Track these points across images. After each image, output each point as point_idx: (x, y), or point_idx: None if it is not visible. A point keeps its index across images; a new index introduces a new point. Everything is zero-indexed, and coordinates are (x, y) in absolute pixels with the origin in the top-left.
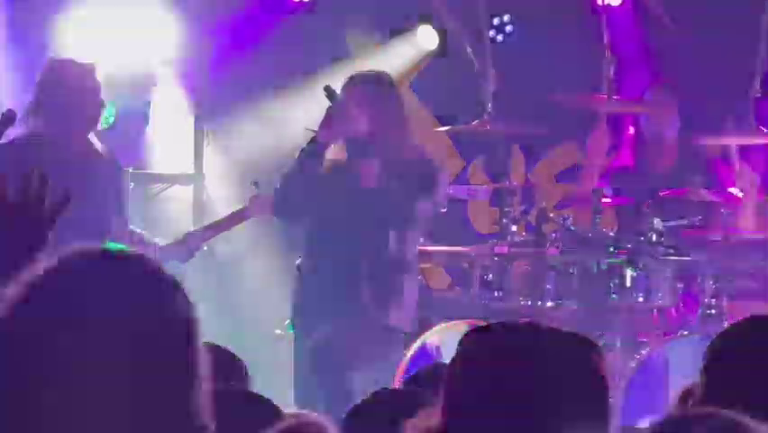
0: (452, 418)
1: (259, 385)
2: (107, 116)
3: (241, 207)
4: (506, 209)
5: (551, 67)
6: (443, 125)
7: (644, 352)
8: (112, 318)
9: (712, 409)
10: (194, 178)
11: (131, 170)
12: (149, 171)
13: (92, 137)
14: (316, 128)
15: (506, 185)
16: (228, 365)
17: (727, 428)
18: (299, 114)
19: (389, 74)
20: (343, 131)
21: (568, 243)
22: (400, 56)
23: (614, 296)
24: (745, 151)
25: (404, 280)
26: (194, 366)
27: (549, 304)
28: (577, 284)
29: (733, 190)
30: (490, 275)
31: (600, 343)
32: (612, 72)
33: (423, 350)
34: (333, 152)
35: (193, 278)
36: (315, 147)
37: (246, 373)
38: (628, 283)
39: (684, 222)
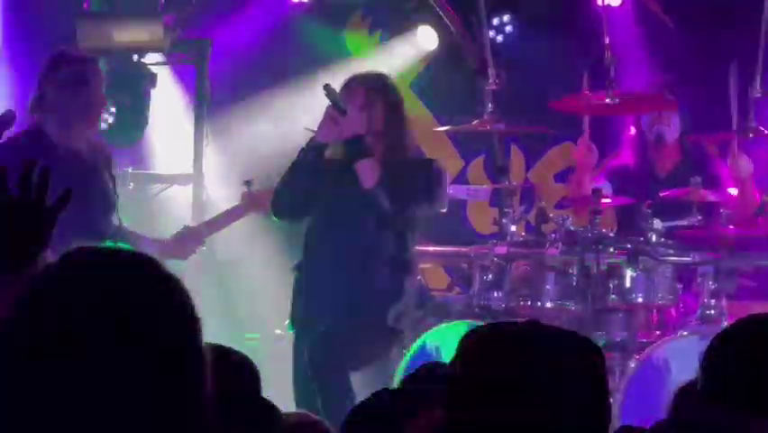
0: (451, 418)
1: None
2: (106, 116)
3: (235, 204)
4: (505, 209)
5: (550, 67)
6: (443, 125)
7: (643, 352)
8: (113, 319)
9: (713, 410)
10: (193, 178)
11: (130, 171)
12: (148, 171)
13: (91, 134)
14: (316, 128)
15: (505, 185)
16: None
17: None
18: (299, 114)
19: (389, 74)
20: (343, 131)
21: (567, 243)
22: (400, 56)
23: (613, 296)
24: (745, 151)
25: (403, 281)
26: (197, 366)
27: (548, 304)
28: (576, 284)
29: (732, 191)
30: (490, 275)
31: (600, 343)
32: (612, 72)
33: (422, 350)
34: (333, 153)
35: (193, 277)
36: (314, 147)
37: (258, 378)
38: (628, 283)
39: (684, 222)
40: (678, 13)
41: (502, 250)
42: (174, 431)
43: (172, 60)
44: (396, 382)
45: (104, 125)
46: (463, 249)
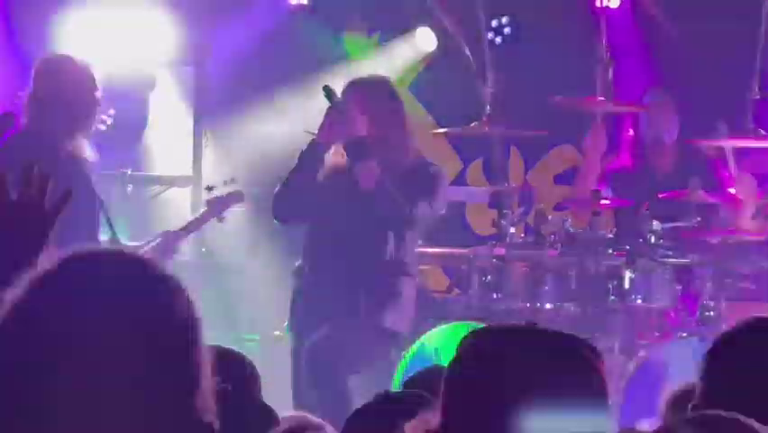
0: (450, 420)
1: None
2: (105, 119)
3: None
4: (504, 211)
5: (549, 69)
6: (442, 127)
7: (642, 353)
8: (114, 319)
9: (714, 412)
10: (192, 180)
11: (129, 172)
12: (147, 173)
13: (81, 137)
14: (315, 131)
15: (504, 187)
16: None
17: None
18: (297, 116)
19: (390, 77)
20: (343, 133)
21: (566, 244)
22: (399, 58)
23: (612, 298)
24: (743, 152)
25: (402, 283)
26: (197, 366)
27: (548, 306)
28: (575, 286)
29: (732, 191)
30: (489, 277)
31: (599, 345)
32: (611, 74)
33: (421, 352)
34: (333, 155)
35: (192, 279)
36: (315, 149)
37: (257, 380)
38: (627, 285)
39: (683, 224)
40: (676, 15)
41: (501, 251)
42: (176, 430)
43: (171, 63)
44: (395, 385)
45: (103, 127)
46: (462, 251)
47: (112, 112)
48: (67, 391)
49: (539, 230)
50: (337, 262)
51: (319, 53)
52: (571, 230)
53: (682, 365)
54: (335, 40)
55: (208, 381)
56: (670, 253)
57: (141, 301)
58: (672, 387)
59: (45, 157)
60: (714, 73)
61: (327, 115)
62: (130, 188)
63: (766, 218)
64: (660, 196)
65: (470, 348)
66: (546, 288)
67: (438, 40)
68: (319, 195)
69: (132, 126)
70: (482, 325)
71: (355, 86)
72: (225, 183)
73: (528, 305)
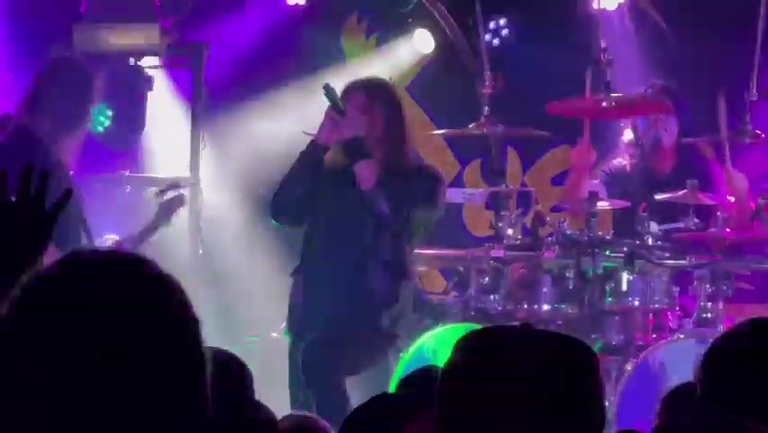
0: (445, 421)
1: (255, 388)
2: (103, 120)
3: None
4: (501, 212)
5: (546, 70)
6: (439, 128)
7: (640, 355)
8: (114, 319)
9: (714, 413)
10: (190, 181)
11: (127, 174)
12: (145, 175)
13: (69, 142)
14: (314, 132)
15: (502, 188)
16: (234, 371)
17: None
18: (295, 117)
19: (390, 79)
20: (344, 134)
21: (564, 246)
22: (397, 59)
23: (610, 299)
24: (741, 154)
25: (400, 284)
26: (198, 365)
27: (545, 307)
28: (573, 287)
29: (730, 198)
30: (486, 279)
31: (596, 346)
32: (608, 75)
33: (419, 354)
34: (333, 155)
35: (191, 281)
36: (314, 149)
37: (251, 381)
38: (624, 287)
39: (680, 225)
40: (674, 16)
41: (499, 253)
42: (177, 429)
43: (169, 64)
44: (392, 386)
45: (100, 129)
46: (460, 252)
47: (109, 113)
48: (65, 390)
49: (537, 231)
50: (335, 263)
51: (317, 54)
52: (569, 231)
53: (680, 367)
54: (332, 41)
55: (208, 380)
56: (667, 254)
57: (142, 301)
58: (669, 388)
59: (35, 157)
60: (711, 74)
61: (328, 115)
62: (128, 189)
63: (764, 219)
64: (657, 197)
65: (465, 349)
66: (544, 289)
67: (436, 41)
68: (318, 196)
69: (130, 128)
70: (480, 327)
71: (356, 87)
72: (169, 187)
73: (525, 306)
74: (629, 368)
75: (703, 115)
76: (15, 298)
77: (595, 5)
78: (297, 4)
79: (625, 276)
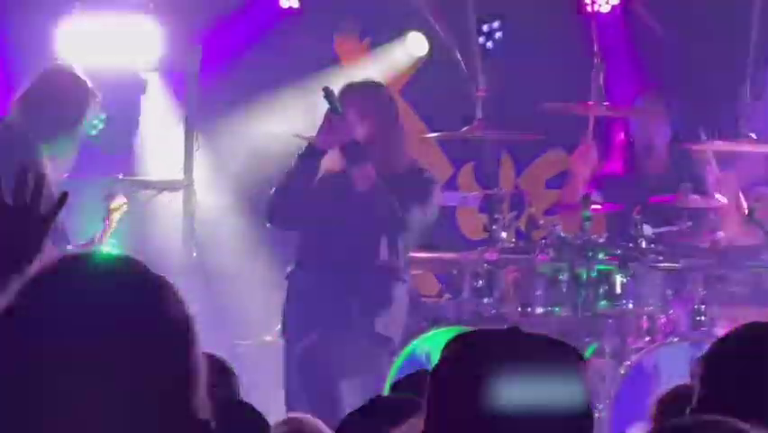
0: (434, 424)
1: (249, 392)
2: (96, 123)
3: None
4: (495, 216)
5: (540, 73)
6: (433, 131)
7: (633, 358)
8: (109, 320)
9: (712, 417)
10: (184, 184)
11: (120, 177)
12: (138, 178)
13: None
14: (307, 135)
15: (495, 191)
16: (219, 374)
17: None
18: (289, 119)
19: (385, 83)
20: (342, 137)
21: (558, 249)
22: (390, 62)
23: (604, 302)
24: (734, 157)
25: (395, 287)
26: (194, 365)
27: (539, 310)
28: (567, 290)
29: (719, 198)
30: (480, 282)
31: (590, 349)
32: (602, 79)
33: (413, 357)
34: (330, 158)
35: (183, 284)
36: (312, 153)
37: (236, 382)
38: (618, 290)
39: (674, 228)
40: (667, 19)
41: (492, 256)
42: (174, 429)
43: (162, 67)
44: (387, 389)
45: (94, 131)
46: (454, 255)
47: (103, 116)
48: (62, 392)
49: (530, 234)
50: (330, 266)
51: (310, 58)
52: (563, 234)
53: (674, 370)
54: (326, 44)
55: (203, 380)
56: (661, 257)
57: (137, 302)
58: (662, 391)
59: (14, 152)
60: (705, 77)
61: (326, 118)
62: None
63: (757, 222)
64: (651, 200)
65: (454, 353)
66: (537, 292)
67: (429, 44)
68: (314, 198)
69: (123, 131)
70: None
71: (351, 89)
72: (110, 193)
73: (519, 309)
74: (623, 371)
75: (696, 117)
76: (9, 300)
77: (589, 8)
78: (290, 7)
79: (618, 279)
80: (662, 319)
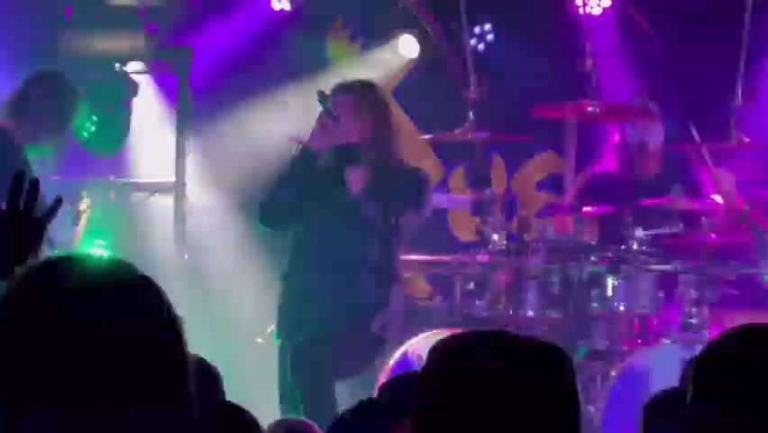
0: (421, 427)
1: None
2: (88, 125)
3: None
4: (487, 218)
5: (532, 75)
6: (424, 133)
7: (625, 360)
8: (99, 320)
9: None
10: (175, 186)
11: (112, 179)
12: (130, 180)
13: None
14: (301, 138)
15: (487, 194)
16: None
17: None
18: (281, 122)
19: (377, 82)
20: (336, 139)
21: (549, 251)
22: (382, 64)
23: (595, 304)
24: (726, 159)
25: (391, 289)
26: (183, 364)
27: (530, 313)
28: (558, 293)
29: (716, 198)
30: (472, 284)
31: (581, 351)
32: (594, 81)
33: (404, 359)
34: (325, 160)
35: (175, 285)
36: (306, 155)
37: (220, 383)
38: (610, 292)
39: (665, 230)
40: (659, 21)
41: (484, 258)
42: (164, 428)
43: (154, 69)
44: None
45: (86, 134)
46: (445, 258)
47: (94, 119)
48: (51, 392)
49: (522, 237)
50: (324, 268)
51: (301, 60)
52: (554, 237)
53: (665, 372)
54: (318, 46)
55: (192, 379)
56: (653, 259)
57: (123, 302)
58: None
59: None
60: (697, 80)
61: (320, 121)
62: (113, 195)
63: (750, 225)
64: (642, 203)
65: (440, 356)
66: (529, 295)
67: (421, 46)
68: (308, 201)
69: (115, 133)
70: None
71: (343, 89)
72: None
73: (511, 312)
74: (614, 373)
75: (689, 119)
76: None
77: (581, 10)
78: (282, 9)
79: (610, 281)
80: (654, 322)
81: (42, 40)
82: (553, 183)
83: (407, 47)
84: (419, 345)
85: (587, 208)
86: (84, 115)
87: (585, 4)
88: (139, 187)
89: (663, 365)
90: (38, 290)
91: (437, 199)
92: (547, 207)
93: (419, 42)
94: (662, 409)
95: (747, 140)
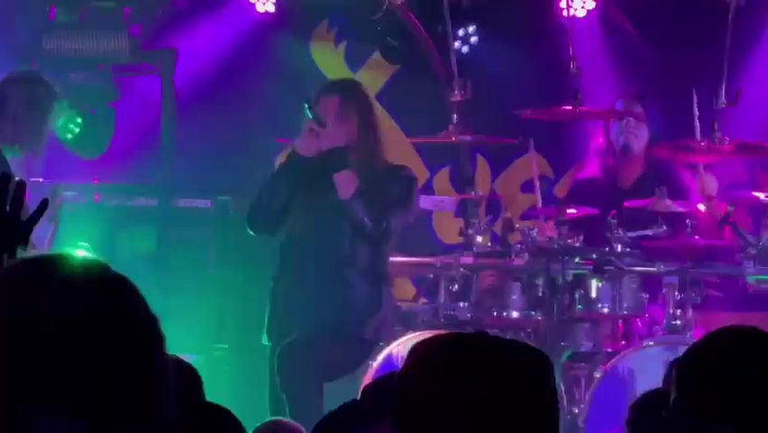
0: (402, 427)
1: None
2: (72, 127)
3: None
4: (471, 220)
5: (516, 78)
6: (408, 136)
7: (609, 362)
8: (71, 323)
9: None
10: (159, 189)
11: (96, 182)
12: (114, 183)
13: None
14: (287, 139)
15: (471, 195)
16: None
17: None
18: (265, 124)
19: (361, 83)
20: (324, 144)
21: (533, 253)
22: (366, 67)
23: (579, 306)
24: (709, 162)
25: (381, 292)
26: (162, 364)
27: (514, 314)
28: (542, 295)
29: (701, 206)
30: (456, 286)
31: (566, 353)
32: (578, 83)
33: (388, 361)
34: (313, 165)
35: (160, 288)
36: (295, 161)
37: (199, 383)
38: (594, 294)
39: (650, 232)
40: (643, 24)
41: (468, 260)
42: (143, 428)
43: (138, 71)
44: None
45: (69, 136)
46: (429, 260)
47: (78, 121)
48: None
49: (506, 239)
50: (313, 272)
51: (286, 62)
52: (538, 239)
53: (649, 374)
54: (302, 49)
55: (171, 380)
56: (637, 261)
57: (100, 303)
58: (638, 395)
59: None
60: (680, 82)
61: (307, 126)
62: (97, 197)
63: (734, 227)
64: (626, 204)
65: (418, 358)
66: (513, 296)
67: (404, 48)
68: (296, 205)
69: (99, 135)
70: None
71: (328, 90)
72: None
73: (495, 314)
74: (598, 375)
75: (673, 122)
76: None
77: (565, 13)
78: (266, 12)
79: (594, 283)
80: (638, 323)
81: (26, 41)
82: (538, 185)
83: (391, 50)
84: (403, 347)
85: (571, 210)
86: (68, 117)
87: (569, 7)
88: (123, 190)
89: (647, 367)
90: (16, 289)
91: (422, 201)
92: (531, 209)
93: (403, 45)
94: (647, 410)
95: (730, 141)
